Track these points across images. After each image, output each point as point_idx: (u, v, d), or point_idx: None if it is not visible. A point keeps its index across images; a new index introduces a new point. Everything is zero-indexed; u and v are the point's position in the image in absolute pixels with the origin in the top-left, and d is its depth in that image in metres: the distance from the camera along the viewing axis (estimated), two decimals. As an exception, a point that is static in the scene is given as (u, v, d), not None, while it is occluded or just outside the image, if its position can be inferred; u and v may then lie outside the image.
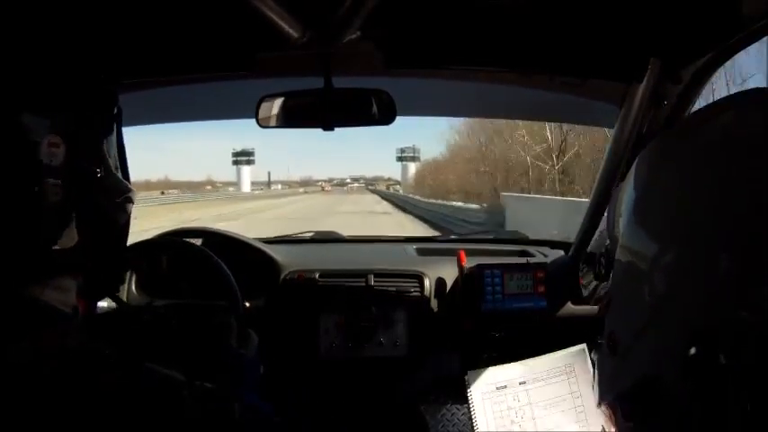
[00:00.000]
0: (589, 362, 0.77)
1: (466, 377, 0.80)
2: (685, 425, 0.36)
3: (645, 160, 0.45)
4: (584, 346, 0.79)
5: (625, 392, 0.41)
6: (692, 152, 0.39)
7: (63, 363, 0.42)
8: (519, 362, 0.80)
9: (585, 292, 0.54)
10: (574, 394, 0.77)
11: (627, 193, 0.45)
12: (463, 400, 1.13)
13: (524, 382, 0.80)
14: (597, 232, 0.51)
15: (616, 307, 0.44)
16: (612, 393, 0.44)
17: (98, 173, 0.52)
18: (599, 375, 0.48)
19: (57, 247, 0.48)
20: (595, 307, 1.33)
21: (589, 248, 0.53)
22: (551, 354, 0.80)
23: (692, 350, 0.33)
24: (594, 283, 0.49)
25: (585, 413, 0.75)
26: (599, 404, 0.47)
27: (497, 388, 0.80)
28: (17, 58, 0.48)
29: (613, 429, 0.44)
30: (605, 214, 0.45)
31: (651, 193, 0.41)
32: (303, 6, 0.76)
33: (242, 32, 0.86)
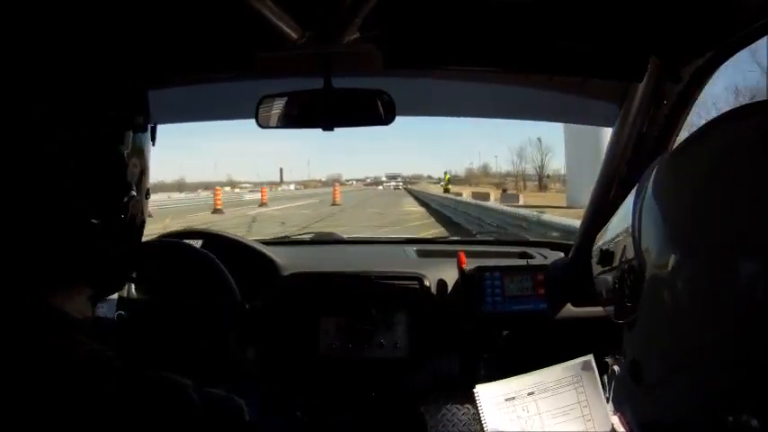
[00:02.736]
0: (596, 371, 0.77)
1: (475, 391, 0.80)
2: None
3: (669, 171, 0.41)
4: (590, 356, 0.79)
5: (649, 426, 0.40)
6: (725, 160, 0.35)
7: (72, 369, 0.42)
8: (527, 373, 0.81)
9: (603, 299, 0.51)
10: (582, 404, 0.78)
11: (650, 205, 0.41)
12: (463, 400, 1.12)
13: (533, 393, 0.80)
14: (612, 232, 0.48)
15: (643, 335, 0.41)
16: (634, 422, 0.43)
17: (126, 198, 0.52)
18: (615, 397, 0.47)
19: (72, 257, 0.48)
20: (595, 308, 1.32)
21: (604, 246, 0.50)
22: (559, 364, 0.80)
23: (730, 419, 0.31)
24: (612, 294, 0.45)
25: (594, 422, 0.76)
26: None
27: (506, 399, 0.81)
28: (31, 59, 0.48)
29: None
30: (629, 224, 0.42)
31: (684, 211, 0.37)
32: (303, 6, 0.76)
33: (242, 32, 0.86)
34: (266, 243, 1.59)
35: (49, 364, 0.42)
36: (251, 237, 1.59)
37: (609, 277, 0.48)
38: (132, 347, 0.64)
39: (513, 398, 0.79)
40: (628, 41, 0.91)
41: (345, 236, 1.85)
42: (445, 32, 0.89)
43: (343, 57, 1.02)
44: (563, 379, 0.79)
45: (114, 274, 0.55)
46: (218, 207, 20.08)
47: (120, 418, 0.42)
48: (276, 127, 1.06)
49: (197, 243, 1.32)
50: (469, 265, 1.32)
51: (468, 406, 1.20)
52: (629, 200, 0.45)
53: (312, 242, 1.80)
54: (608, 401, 0.49)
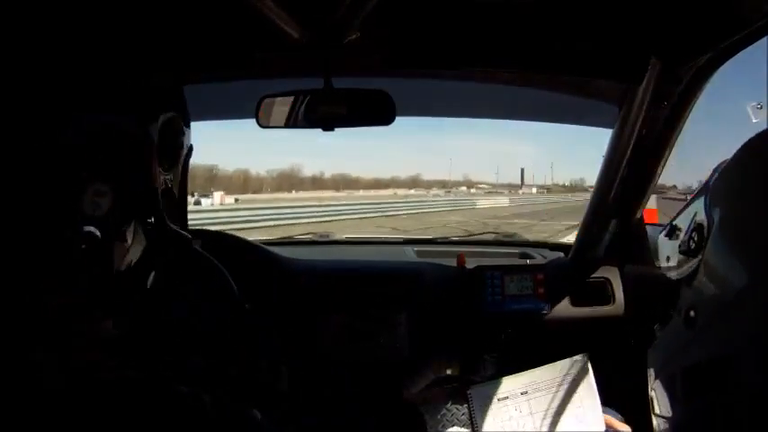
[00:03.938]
0: (590, 371, 0.77)
1: (468, 392, 0.80)
2: (751, 411, 0.38)
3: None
4: (584, 355, 0.78)
5: (695, 366, 0.43)
6: None
7: (95, 390, 0.43)
8: (520, 373, 0.80)
9: (666, 264, 0.56)
10: (575, 404, 0.77)
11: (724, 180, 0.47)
12: (463, 400, 1.12)
13: (526, 392, 0.80)
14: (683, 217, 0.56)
15: (702, 282, 0.45)
16: (679, 365, 0.46)
17: (148, 223, 0.52)
18: (666, 346, 0.50)
19: (91, 281, 0.49)
20: (594, 308, 1.33)
21: (674, 222, 0.57)
22: (552, 364, 0.80)
23: None
24: (678, 256, 0.51)
25: (587, 423, 0.75)
26: (656, 377, 0.49)
27: (499, 399, 0.80)
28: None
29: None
30: (703, 196, 0.49)
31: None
32: (303, 7, 0.77)
33: (242, 33, 0.86)
34: (266, 243, 1.59)
35: (70, 384, 0.42)
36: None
37: (675, 243, 0.54)
38: (156, 363, 0.64)
39: (507, 398, 0.79)
40: (628, 43, 0.91)
41: (345, 236, 1.85)
42: (445, 33, 0.90)
43: (343, 57, 1.02)
44: (556, 378, 0.79)
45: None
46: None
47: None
48: (276, 127, 1.06)
49: (197, 243, 1.31)
50: (469, 264, 1.33)
51: (467, 406, 1.20)
52: (697, 194, 0.51)
53: (313, 242, 1.80)
54: (656, 363, 0.52)
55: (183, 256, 0.62)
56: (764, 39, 0.82)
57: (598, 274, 1.34)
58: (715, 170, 0.49)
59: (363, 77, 1.12)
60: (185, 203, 0.63)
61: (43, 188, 0.46)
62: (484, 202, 25.84)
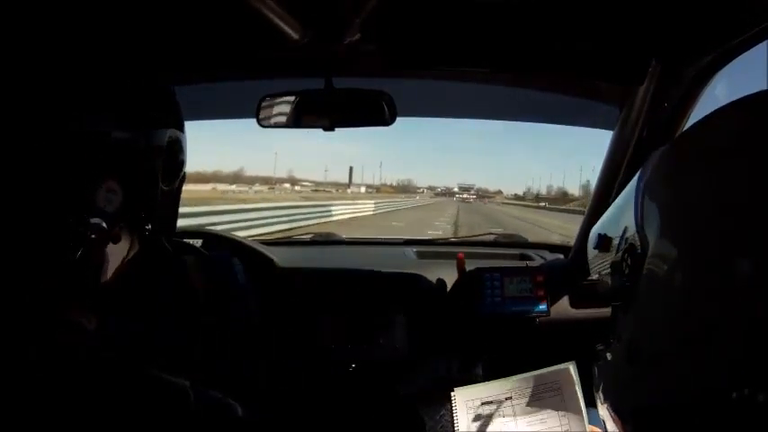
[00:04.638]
0: (576, 379, 0.77)
1: (453, 394, 0.79)
2: None
3: (671, 160, 0.41)
4: (571, 363, 0.78)
5: (643, 408, 0.39)
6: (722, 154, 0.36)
7: (74, 369, 0.43)
8: (506, 378, 0.80)
9: (598, 283, 0.51)
10: (559, 412, 0.77)
11: (652, 188, 0.41)
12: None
13: (510, 398, 0.79)
14: (609, 220, 0.50)
15: (641, 314, 0.40)
16: (626, 402, 0.42)
17: (146, 229, 0.55)
18: (609, 381, 0.45)
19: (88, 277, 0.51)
20: (593, 310, 1.33)
21: (602, 231, 0.51)
22: (539, 370, 0.79)
23: (734, 395, 0.31)
24: (609, 276, 0.46)
25: (570, 430, 0.75)
26: (605, 408, 0.45)
27: (483, 403, 0.79)
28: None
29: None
30: (633, 209, 0.43)
31: (685, 201, 0.38)
32: (304, 7, 0.77)
33: (243, 33, 0.86)
34: (265, 243, 1.59)
35: (51, 363, 0.42)
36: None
37: (606, 260, 0.48)
38: (136, 349, 0.65)
39: (491, 402, 0.78)
40: (629, 44, 0.91)
41: (345, 236, 1.85)
42: (446, 33, 0.89)
43: (344, 57, 1.02)
44: (542, 385, 0.78)
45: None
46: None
47: (116, 416, 0.42)
48: (276, 127, 1.06)
49: (197, 242, 1.31)
50: (469, 266, 1.32)
51: (450, 407, 1.20)
52: (630, 187, 0.45)
53: (312, 242, 1.80)
54: (597, 390, 0.48)
55: (168, 261, 0.65)
56: (765, 42, 0.82)
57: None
58: (647, 163, 0.44)
59: (364, 78, 1.12)
60: (176, 219, 0.69)
61: (60, 178, 0.49)
62: (341, 209, 17.19)
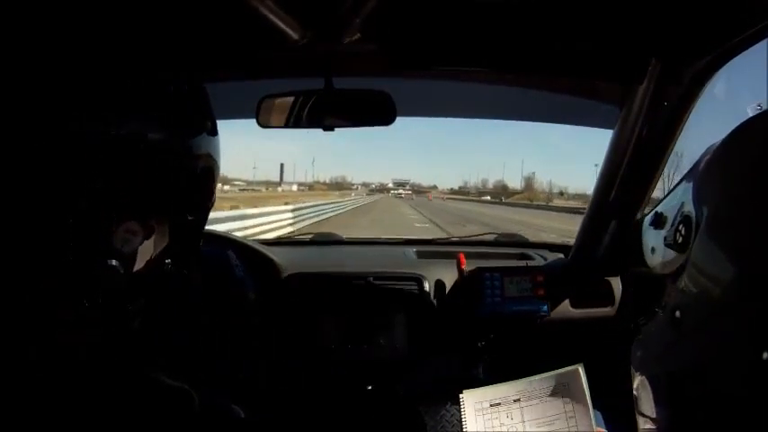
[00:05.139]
0: (585, 381, 0.77)
1: (461, 395, 0.79)
2: (731, 421, 0.36)
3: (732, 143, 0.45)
4: (580, 365, 0.78)
5: (679, 371, 0.42)
6: None
7: (74, 369, 0.43)
8: (515, 380, 0.80)
9: (651, 257, 0.56)
10: (567, 414, 0.77)
11: (710, 168, 0.46)
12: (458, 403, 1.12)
13: (519, 400, 0.79)
14: (667, 202, 0.55)
15: (688, 282, 0.44)
16: (663, 367, 0.45)
17: (167, 264, 0.52)
18: (650, 344, 0.48)
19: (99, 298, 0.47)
20: (594, 310, 1.33)
21: (659, 209, 0.55)
22: (547, 373, 0.79)
23: (765, 355, 0.34)
24: (663, 249, 0.50)
25: None
26: (640, 375, 0.48)
27: (491, 405, 0.79)
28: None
29: None
30: (690, 182, 0.48)
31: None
32: (304, 7, 0.77)
33: (243, 33, 0.86)
34: (265, 243, 1.59)
35: (52, 362, 0.42)
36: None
37: (661, 234, 0.53)
38: (137, 351, 0.64)
39: (499, 404, 0.78)
40: (629, 43, 0.91)
41: (345, 236, 1.85)
42: (446, 33, 0.89)
43: (344, 57, 1.02)
44: (550, 387, 0.78)
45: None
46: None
47: (117, 419, 0.42)
48: (276, 127, 1.06)
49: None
50: (469, 265, 1.32)
51: (459, 409, 1.20)
52: (685, 177, 0.50)
53: (311, 242, 1.80)
54: (635, 363, 0.51)
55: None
56: (765, 41, 0.82)
57: (598, 275, 1.34)
58: (704, 154, 0.47)
59: (364, 78, 1.12)
60: (198, 249, 0.61)
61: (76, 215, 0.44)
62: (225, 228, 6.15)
